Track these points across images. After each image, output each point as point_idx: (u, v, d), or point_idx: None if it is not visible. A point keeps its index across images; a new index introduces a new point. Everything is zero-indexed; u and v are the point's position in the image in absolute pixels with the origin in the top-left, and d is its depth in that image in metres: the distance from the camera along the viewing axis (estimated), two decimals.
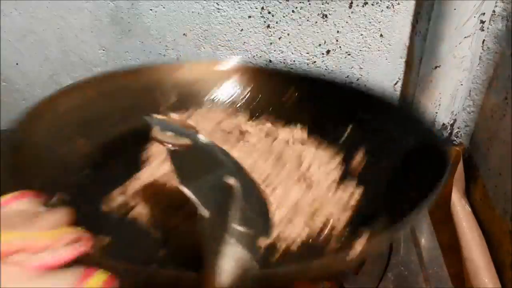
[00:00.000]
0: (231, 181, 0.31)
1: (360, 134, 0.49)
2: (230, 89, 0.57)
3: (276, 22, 0.57)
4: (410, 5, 0.55)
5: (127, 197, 0.41)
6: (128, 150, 0.48)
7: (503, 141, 0.52)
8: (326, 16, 0.57)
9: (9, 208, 0.27)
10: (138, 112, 0.46)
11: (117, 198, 0.42)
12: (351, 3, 0.55)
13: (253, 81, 0.57)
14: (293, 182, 0.43)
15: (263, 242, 0.34)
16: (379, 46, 0.59)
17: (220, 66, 0.57)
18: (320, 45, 0.59)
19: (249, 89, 0.57)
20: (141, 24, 0.58)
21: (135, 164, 0.45)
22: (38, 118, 0.45)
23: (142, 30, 0.59)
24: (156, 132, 0.33)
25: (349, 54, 0.60)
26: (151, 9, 0.57)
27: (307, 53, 0.60)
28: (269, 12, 0.57)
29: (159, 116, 0.39)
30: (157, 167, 0.45)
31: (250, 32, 0.58)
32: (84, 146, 0.47)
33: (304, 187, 0.42)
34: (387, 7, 0.55)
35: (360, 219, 0.39)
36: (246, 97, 0.57)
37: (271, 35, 0.58)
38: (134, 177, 0.44)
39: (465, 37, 0.51)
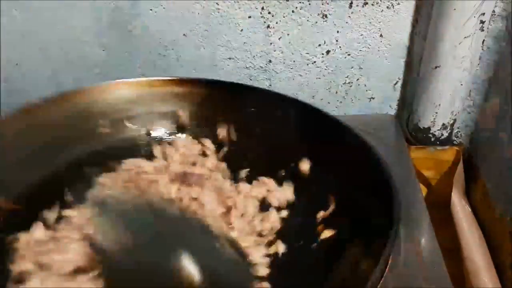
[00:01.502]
0: None
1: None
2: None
3: (276, 22, 0.58)
4: (410, 5, 0.55)
5: None
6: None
7: (503, 141, 0.52)
8: (326, 16, 0.57)
9: None
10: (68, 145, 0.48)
11: None
12: (351, 3, 0.55)
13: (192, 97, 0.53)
14: None
15: None
16: (379, 46, 0.59)
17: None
18: (320, 45, 0.59)
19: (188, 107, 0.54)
20: (141, 24, 0.58)
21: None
22: None
23: (142, 30, 0.59)
24: None
25: (349, 54, 0.60)
26: (151, 9, 0.57)
27: (307, 53, 0.60)
28: (269, 12, 0.57)
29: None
30: None
31: (250, 32, 0.58)
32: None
33: None
34: (387, 7, 0.55)
35: None
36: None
37: (271, 35, 0.59)
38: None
39: (465, 37, 0.51)
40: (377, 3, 0.55)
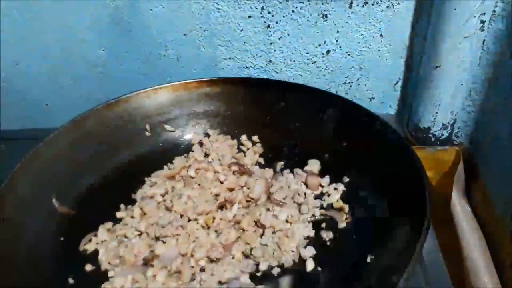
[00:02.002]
0: None
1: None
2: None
3: (276, 22, 0.57)
4: (410, 5, 0.55)
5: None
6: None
7: (503, 141, 0.52)
8: (326, 16, 0.57)
9: None
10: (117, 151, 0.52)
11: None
12: (351, 3, 0.55)
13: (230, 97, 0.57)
14: None
15: None
16: (379, 46, 0.59)
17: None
18: (320, 45, 0.59)
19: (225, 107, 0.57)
20: (141, 24, 0.58)
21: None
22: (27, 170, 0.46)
23: (142, 30, 0.59)
24: None
25: (349, 54, 0.60)
26: (151, 9, 0.57)
27: (307, 53, 0.60)
28: (269, 12, 0.57)
29: None
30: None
31: (250, 32, 0.58)
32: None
33: None
34: (387, 7, 0.55)
35: None
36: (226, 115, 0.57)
37: (271, 35, 0.59)
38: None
39: (465, 37, 0.51)
40: (377, 3, 0.55)
